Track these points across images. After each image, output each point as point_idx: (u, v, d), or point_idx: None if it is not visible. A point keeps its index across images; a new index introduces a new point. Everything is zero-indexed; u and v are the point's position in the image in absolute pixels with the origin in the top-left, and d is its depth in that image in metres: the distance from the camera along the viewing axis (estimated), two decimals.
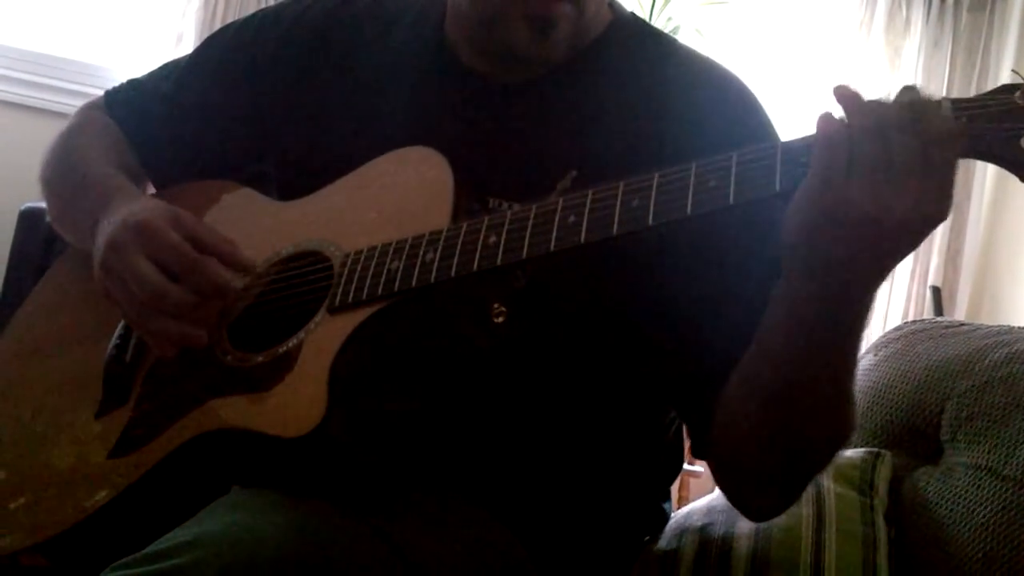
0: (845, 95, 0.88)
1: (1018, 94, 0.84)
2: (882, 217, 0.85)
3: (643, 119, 1.17)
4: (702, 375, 1.10)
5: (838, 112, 0.88)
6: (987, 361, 1.39)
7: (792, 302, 0.95)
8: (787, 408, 1.00)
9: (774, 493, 1.12)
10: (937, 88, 3.72)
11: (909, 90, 0.87)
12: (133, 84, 1.43)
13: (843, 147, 0.86)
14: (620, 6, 1.28)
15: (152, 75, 1.43)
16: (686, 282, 1.10)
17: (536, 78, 1.20)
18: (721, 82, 1.21)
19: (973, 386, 1.37)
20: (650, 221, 0.91)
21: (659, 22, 3.52)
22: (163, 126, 1.37)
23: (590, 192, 0.96)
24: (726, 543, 1.32)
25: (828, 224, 0.87)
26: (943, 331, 1.56)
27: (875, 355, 1.62)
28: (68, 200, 1.32)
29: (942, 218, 0.86)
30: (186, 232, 1.12)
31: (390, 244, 1.04)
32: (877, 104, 0.87)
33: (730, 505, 1.38)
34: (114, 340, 1.20)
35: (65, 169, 1.35)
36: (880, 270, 0.91)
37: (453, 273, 0.99)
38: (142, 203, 1.20)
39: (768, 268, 1.00)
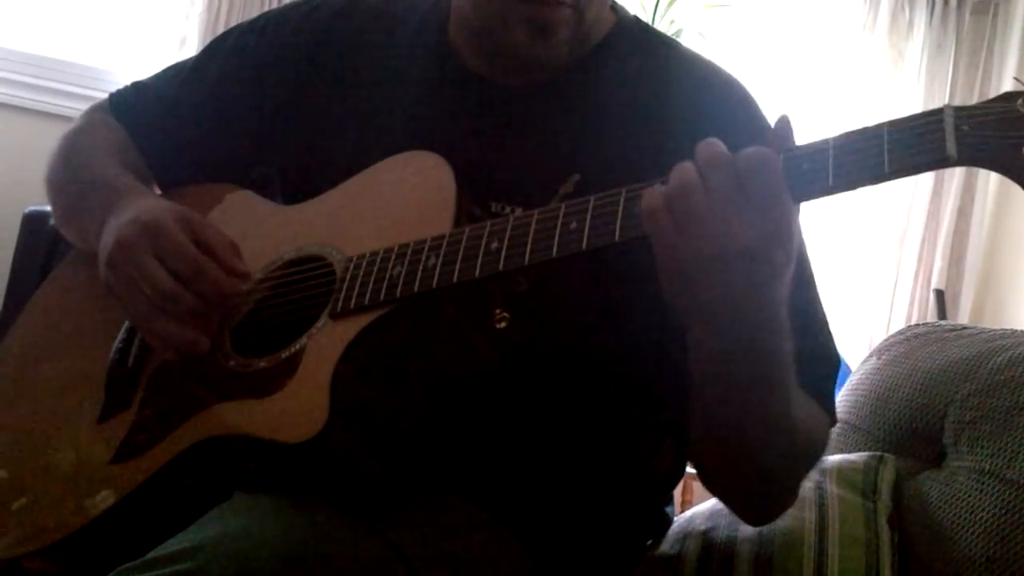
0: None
1: (1020, 102, 0.83)
2: (722, 253, 0.86)
3: (646, 123, 1.17)
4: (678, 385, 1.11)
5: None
6: (990, 365, 1.39)
7: (696, 357, 0.96)
8: (729, 441, 1.02)
9: (755, 505, 1.14)
10: (940, 90, 3.72)
11: None
12: (137, 86, 1.43)
13: (662, 209, 0.89)
14: (623, 9, 1.28)
15: (157, 77, 1.43)
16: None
17: (539, 82, 1.20)
18: (724, 86, 1.21)
19: (976, 390, 1.37)
20: None
21: (662, 25, 3.52)
22: (167, 129, 1.37)
23: (592, 198, 0.96)
24: (729, 547, 1.32)
25: (682, 275, 0.89)
26: (946, 335, 1.56)
27: (878, 359, 1.62)
28: (74, 200, 1.32)
29: (780, 237, 0.87)
30: (194, 235, 1.12)
31: (392, 249, 1.04)
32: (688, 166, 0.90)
33: None
34: (117, 344, 1.20)
35: (71, 170, 1.35)
36: (759, 304, 0.90)
37: (455, 279, 0.99)
38: (152, 202, 1.20)
39: None
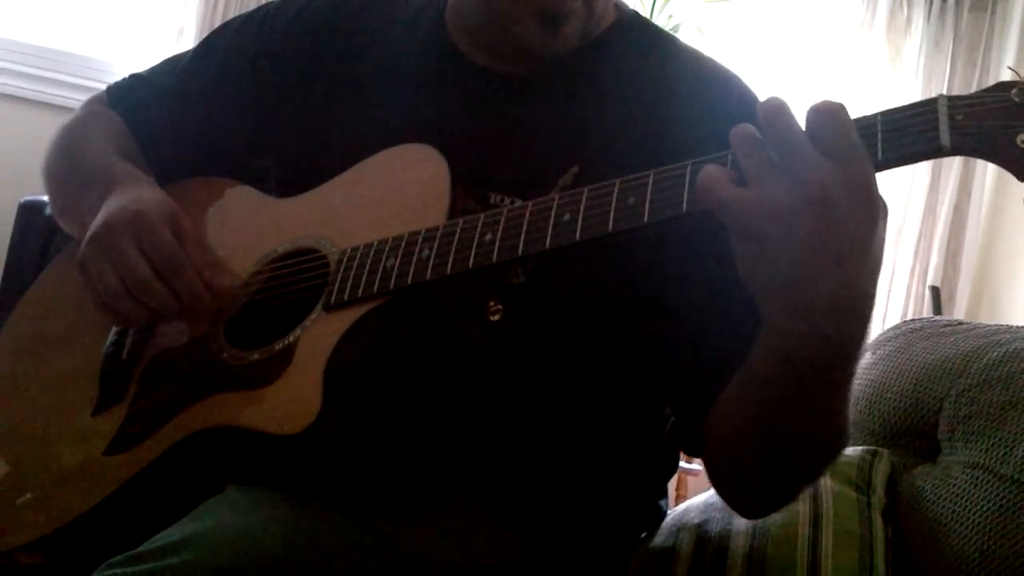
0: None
1: (1015, 91, 0.83)
2: (797, 206, 0.83)
3: (645, 117, 1.17)
4: (699, 375, 1.10)
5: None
6: (985, 360, 1.39)
7: (772, 337, 0.92)
8: (776, 427, 0.98)
9: (764, 497, 1.11)
10: (938, 87, 3.72)
11: None
12: (136, 79, 1.43)
13: (724, 178, 0.86)
14: (623, 4, 1.28)
15: (155, 70, 1.43)
16: (686, 280, 1.10)
17: (539, 73, 1.20)
18: (722, 81, 1.21)
19: (971, 385, 1.37)
20: (646, 219, 0.91)
21: (660, 20, 3.52)
22: (165, 121, 1.37)
23: (586, 189, 0.95)
24: (723, 540, 1.32)
25: (753, 239, 0.86)
26: (941, 330, 1.56)
27: (873, 354, 1.62)
28: (73, 189, 1.32)
29: (858, 190, 0.83)
30: (179, 236, 1.13)
31: (386, 241, 1.04)
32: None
33: None
34: (111, 337, 1.20)
35: (70, 160, 1.35)
36: (844, 280, 0.86)
37: (449, 270, 0.98)
38: (146, 192, 1.20)
39: None
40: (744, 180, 0.86)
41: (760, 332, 0.94)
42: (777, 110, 0.85)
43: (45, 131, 1.40)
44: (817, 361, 0.90)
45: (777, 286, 0.87)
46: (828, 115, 0.84)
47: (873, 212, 0.84)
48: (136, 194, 1.18)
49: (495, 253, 0.97)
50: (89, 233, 1.16)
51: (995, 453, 1.28)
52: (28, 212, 2.70)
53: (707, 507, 1.41)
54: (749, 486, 1.10)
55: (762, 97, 1.19)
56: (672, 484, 1.42)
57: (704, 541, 1.34)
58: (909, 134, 0.85)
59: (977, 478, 1.28)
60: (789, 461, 1.02)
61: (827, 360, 0.91)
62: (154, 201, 1.16)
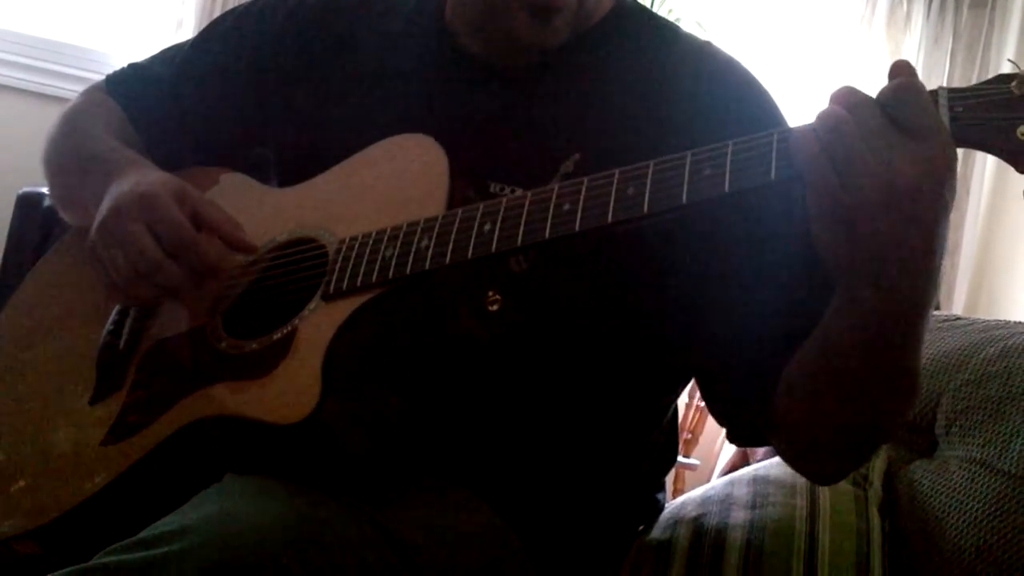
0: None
1: (1015, 83, 0.84)
2: (888, 194, 0.83)
3: (645, 103, 1.17)
4: (728, 365, 1.10)
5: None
6: (983, 355, 1.39)
7: (853, 308, 0.92)
8: (858, 393, 0.99)
9: (847, 461, 1.11)
10: (937, 84, 3.70)
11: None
12: (134, 68, 1.42)
13: (819, 154, 0.86)
14: None
15: (154, 59, 1.42)
16: (696, 270, 1.10)
17: (538, 62, 1.20)
18: (723, 66, 1.21)
19: (968, 380, 1.37)
20: (645, 210, 0.91)
21: (659, 13, 3.52)
22: (164, 110, 1.37)
23: (586, 179, 0.95)
24: (720, 534, 1.32)
25: (844, 223, 0.86)
26: (939, 325, 1.56)
27: None
28: (75, 176, 1.31)
29: (944, 165, 0.84)
30: (189, 209, 1.12)
31: (385, 231, 1.04)
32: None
33: (724, 497, 1.38)
34: (108, 326, 1.20)
35: (71, 146, 1.34)
36: (926, 247, 0.87)
37: (447, 260, 0.98)
38: (153, 175, 1.20)
39: (781, 248, 1.00)
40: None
41: (833, 304, 0.95)
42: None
43: (43, 122, 1.40)
44: (898, 322, 0.92)
45: (863, 263, 0.88)
46: (911, 93, 0.84)
47: (955, 185, 0.86)
48: (141, 176, 1.17)
49: (494, 243, 0.96)
50: (98, 220, 1.15)
51: (992, 448, 1.28)
52: (27, 203, 2.70)
53: (704, 501, 1.41)
54: (831, 455, 1.09)
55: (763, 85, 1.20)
56: (669, 479, 1.42)
57: (701, 534, 1.34)
58: None
59: (974, 473, 1.28)
60: (872, 419, 1.03)
61: (908, 320, 0.92)
62: (160, 181, 1.16)
